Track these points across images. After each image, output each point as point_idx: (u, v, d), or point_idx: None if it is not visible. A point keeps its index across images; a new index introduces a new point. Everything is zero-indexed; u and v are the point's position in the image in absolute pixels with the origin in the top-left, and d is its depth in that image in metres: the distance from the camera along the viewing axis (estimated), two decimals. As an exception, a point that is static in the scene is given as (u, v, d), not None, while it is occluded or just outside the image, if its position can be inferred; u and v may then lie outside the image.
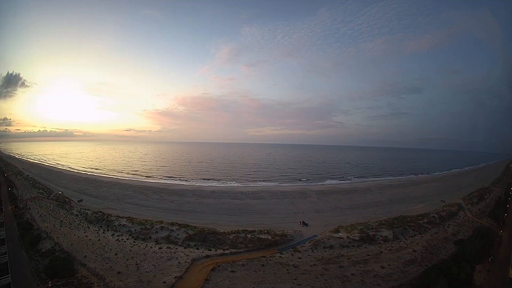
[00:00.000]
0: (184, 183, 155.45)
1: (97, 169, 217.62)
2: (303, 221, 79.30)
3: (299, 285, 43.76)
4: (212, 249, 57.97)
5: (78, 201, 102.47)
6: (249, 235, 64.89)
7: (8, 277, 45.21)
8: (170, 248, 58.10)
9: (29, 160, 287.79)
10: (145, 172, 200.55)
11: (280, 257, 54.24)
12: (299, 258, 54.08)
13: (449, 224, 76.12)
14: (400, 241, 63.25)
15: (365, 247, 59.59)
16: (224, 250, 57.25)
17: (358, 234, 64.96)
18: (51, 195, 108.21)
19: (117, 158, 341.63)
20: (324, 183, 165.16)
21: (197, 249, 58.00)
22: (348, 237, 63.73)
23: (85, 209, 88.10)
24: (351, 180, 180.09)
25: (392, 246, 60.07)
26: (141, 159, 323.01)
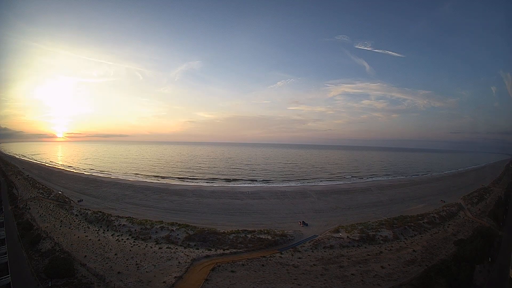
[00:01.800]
0: (184, 183, 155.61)
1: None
2: (303, 221, 79.30)
3: (299, 285, 43.74)
4: (212, 249, 57.98)
5: (78, 201, 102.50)
6: (249, 235, 64.93)
7: (8, 277, 45.17)
8: (170, 248, 58.12)
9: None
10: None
11: (280, 257, 54.25)
12: (299, 258, 54.09)
13: (449, 224, 76.10)
14: (400, 241, 63.26)
15: (365, 247, 59.59)
16: (224, 250, 57.25)
17: (358, 234, 65.00)
18: (51, 195, 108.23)
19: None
20: (323, 183, 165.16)
21: (197, 249, 58.00)
22: (348, 237, 63.76)
23: (85, 209, 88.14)
24: (351, 180, 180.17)
25: (392, 246, 60.06)
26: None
